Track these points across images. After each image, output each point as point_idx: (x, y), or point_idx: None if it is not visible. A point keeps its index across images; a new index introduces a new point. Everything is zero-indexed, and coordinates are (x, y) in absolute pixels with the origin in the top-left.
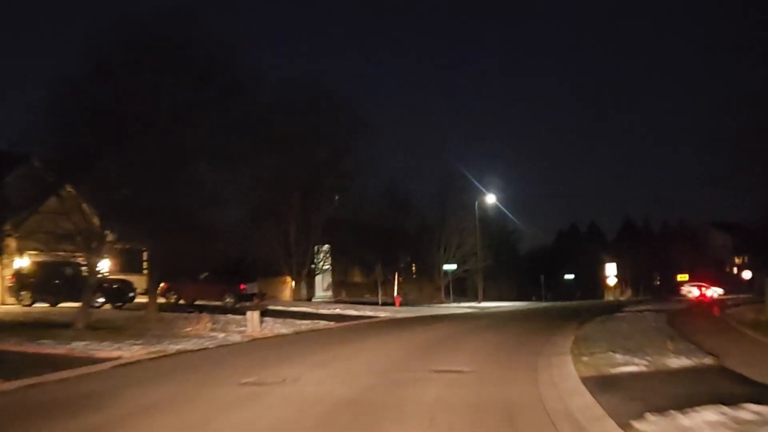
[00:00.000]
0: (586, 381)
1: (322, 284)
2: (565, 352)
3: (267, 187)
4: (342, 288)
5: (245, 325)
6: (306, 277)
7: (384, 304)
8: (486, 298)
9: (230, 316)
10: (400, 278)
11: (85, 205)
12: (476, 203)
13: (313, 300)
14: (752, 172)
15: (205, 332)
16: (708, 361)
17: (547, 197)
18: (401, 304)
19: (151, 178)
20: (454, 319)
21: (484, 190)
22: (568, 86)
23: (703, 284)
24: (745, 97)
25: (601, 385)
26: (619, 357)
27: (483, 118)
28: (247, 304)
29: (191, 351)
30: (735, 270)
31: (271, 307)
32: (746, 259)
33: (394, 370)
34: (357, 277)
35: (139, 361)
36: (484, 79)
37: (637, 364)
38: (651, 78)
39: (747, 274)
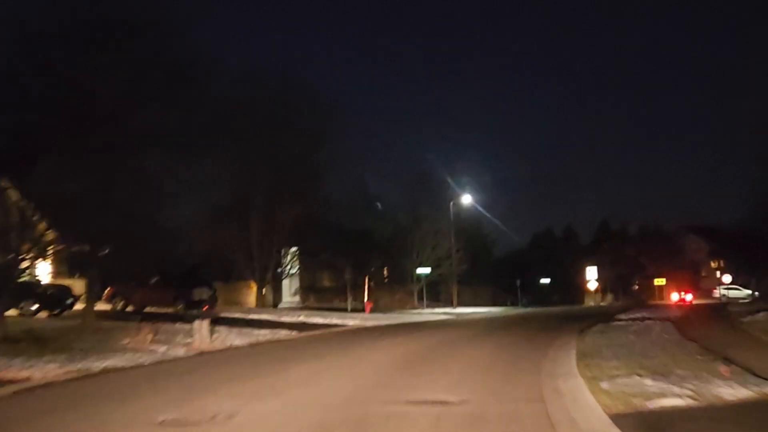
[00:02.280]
0: (618, 421)
1: (289, 289)
2: (572, 373)
3: (228, 184)
4: (311, 293)
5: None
6: (272, 281)
7: (354, 310)
8: (461, 304)
9: (179, 325)
10: (372, 283)
11: (19, 199)
12: (451, 203)
13: (280, 306)
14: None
15: (144, 345)
16: None
17: (521, 200)
18: (372, 311)
19: (93, 171)
20: (430, 328)
21: (459, 190)
22: (541, 88)
23: (683, 289)
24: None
25: (643, 428)
26: (649, 383)
27: (456, 119)
28: (195, 312)
29: (120, 369)
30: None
31: (229, 315)
32: (722, 262)
33: (359, 401)
34: (326, 282)
35: (50, 384)
36: (457, 78)
37: (678, 395)
38: (629, 80)
39: (726, 278)
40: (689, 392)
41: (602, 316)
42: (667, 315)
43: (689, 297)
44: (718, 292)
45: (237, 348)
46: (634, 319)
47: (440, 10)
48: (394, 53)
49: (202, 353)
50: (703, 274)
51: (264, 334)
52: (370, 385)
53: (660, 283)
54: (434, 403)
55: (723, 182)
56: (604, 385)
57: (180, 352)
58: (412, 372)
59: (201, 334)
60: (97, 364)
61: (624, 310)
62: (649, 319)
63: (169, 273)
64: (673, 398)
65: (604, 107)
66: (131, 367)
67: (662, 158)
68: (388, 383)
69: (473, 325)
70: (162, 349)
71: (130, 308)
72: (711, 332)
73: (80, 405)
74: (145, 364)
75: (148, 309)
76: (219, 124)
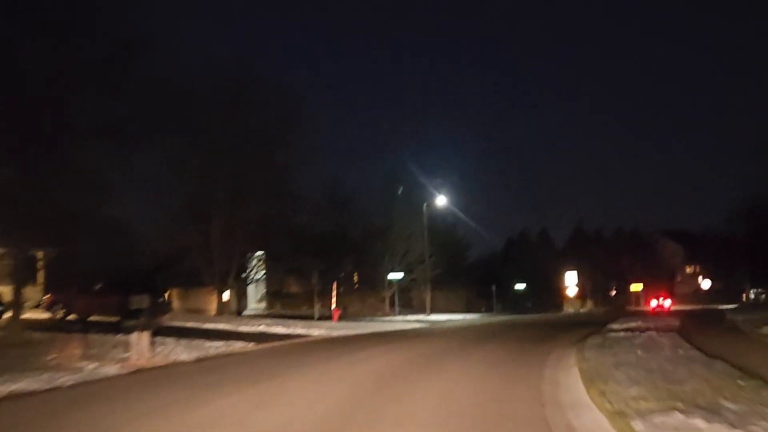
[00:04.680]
0: None
1: (255, 295)
2: (584, 403)
3: (185, 182)
4: (277, 300)
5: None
6: (236, 287)
7: (321, 318)
8: (434, 310)
9: (121, 336)
10: (341, 289)
11: None
12: (425, 205)
13: (245, 313)
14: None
15: (71, 361)
16: None
17: (493, 204)
18: (341, 318)
19: (26, 163)
20: (403, 339)
21: (433, 191)
22: (517, 91)
23: (661, 295)
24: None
25: None
26: (701, 425)
27: (430, 120)
28: (133, 322)
29: (29, 394)
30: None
31: (182, 324)
32: (697, 268)
33: None
34: (294, 288)
35: None
36: (432, 80)
37: None
38: (606, 84)
39: (706, 284)
40: None
41: (591, 326)
42: (666, 324)
43: (668, 303)
44: (747, 295)
45: (181, 364)
46: (631, 330)
47: (418, 11)
48: (368, 52)
49: (138, 371)
50: (679, 279)
51: (216, 347)
52: (326, 421)
53: (637, 289)
54: None
55: (698, 188)
56: (638, 426)
57: (112, 369)
58: (382, 404)
59: (139, 349)
60: (5, 387)
61: (613, 319)
62: (648, 329)
63: (114, 278)
64: None
65: (578, 111)
66: (45, 391)
67: (636, 163)
68: (349, 416)
69: (450, 336)
70: (91, 366)
71: (72, 317)
72: (730, 346)
73: None
74: (65, 385)
75: (93, 318)
76: (170, 115)
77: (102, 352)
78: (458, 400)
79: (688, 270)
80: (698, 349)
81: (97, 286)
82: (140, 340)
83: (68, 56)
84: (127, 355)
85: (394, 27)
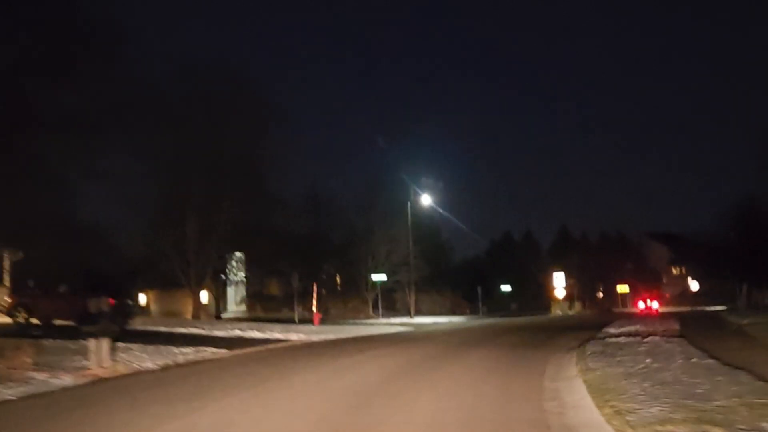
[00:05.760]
0: None
1: (235, 298)
2: (601, 427)
3: (160, 180)
4: (258, 302)
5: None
6: (215, 289)
7: (302, 321)
8: (418, 313)
9: (83, 342)
10: (323, 291)
11: None
12: (408, 205)
13: (224, 316)
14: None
15: (21, 371)
16: None
17: (477, 205)
18: (322, 322)
19: None
20: (387, 344)
21: (417, 190)
22: (501, 92)
23: (649, 297)
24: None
25: None
26: None
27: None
28: (90, 327)
29: None
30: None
31: (153, 328)
32: (683, 269)
33: None
34: (275, 290)
35: None
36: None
37: None
38: (589, 86)
39: (694, 285)
40: None
41: (584, 329)
42: (667, 328)
43: (655, 305)
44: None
45: (145, 372)
46: (631, 334)
47: (399, 13)
48: (350, 52)
49: (98, 380)
50: (664, 281)
51: (186, 353)
52: None
53: (623, 291)
54: None
55: (684, 191)
56: None
57: (65, 380)
58: (359, 421)
59: (99, 356)
60: None
61: (606, 322)
62: (649, 334)
63: (80, 280)
64: None
65: (562, 113)
66: None
67: (621, 165)
68: None
69: (436, 340)
70: (42, 376)
71: (34, 321)
72: (745, 353)
73: None
74: (10, 399)
75: (58, 322)
76: (141, 109)
77: (58, 360)
78: (447, 425)
79: (674, 272)
80: (713, 356)
81: (62, 289)
82: (100, 347)
83: (31, 43)
84: (86, 363)
85: (378, 27)
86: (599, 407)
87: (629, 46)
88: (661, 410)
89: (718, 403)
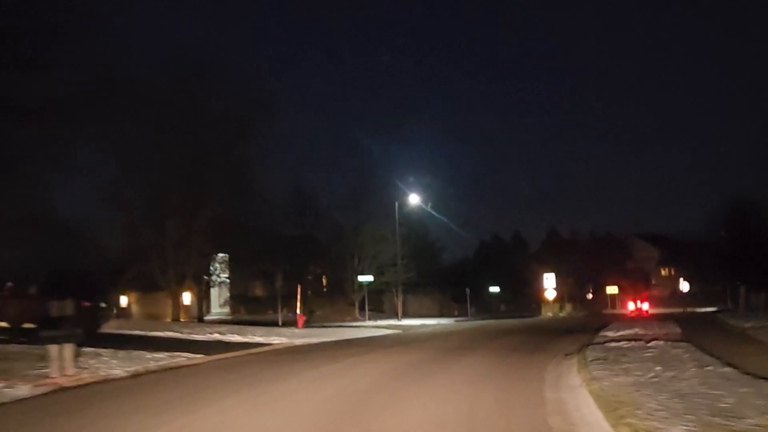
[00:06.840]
0: None
1: (218, 299)
2: None
3: (139, 177)
4: (242, 304)
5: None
6: (198, 291)
7: (286, 323)
8: (406, 315)
9: (51, 346)
10: (309, 292)
11: None
12: (396, 204)
13: (206, 318)
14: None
15: None
16: None
17: (465, 206)
18: (307, 324)
19: None
20: (374, 348)
21: (405, 189)
22: (490, 93)
23: (639, 298)
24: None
25: None
26: None
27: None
28: (51, 332)
29: None
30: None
31: (128, 332)
32: (672, 270)
33: None
34: (259, 292)
35: None
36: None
37: None
38: (580, 87)
39: (685, 286)
40: None
41: (578, 332)
42: (668, 331)
43: (646, 306)
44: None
45: (112, 381)
46: (633, 338)
47: (392, 9)
48: (339, 49)
49: (59, 389)
50: (654, 282)
51: (159, 359)
52: None
53: (613, 292)
54: None
55: (673, 192)
56: None
57: (23, 390)
58: None
59: (61, 363)
60: None
61: (600, 324)
62: (651, 338)
63: (50, 282)
64: None
65: (551, 114)
66: None
67: (611, 166)
68: None
69: (425, 343)
70: None
71: (3, 324)
72: (761, 359)
73: None
74: None
75: (27, 325)
76: (117, 100)
77: (18, 367)
78: None
79: (663, 273)
80: (728, 364)
81: (32, 290)
82: (63, 353)
83: None
84: (47, 371)
85: (367, 26)
86: (613, 426)
87: (629, 46)
88: (687, 430)
89: (752, 421)
